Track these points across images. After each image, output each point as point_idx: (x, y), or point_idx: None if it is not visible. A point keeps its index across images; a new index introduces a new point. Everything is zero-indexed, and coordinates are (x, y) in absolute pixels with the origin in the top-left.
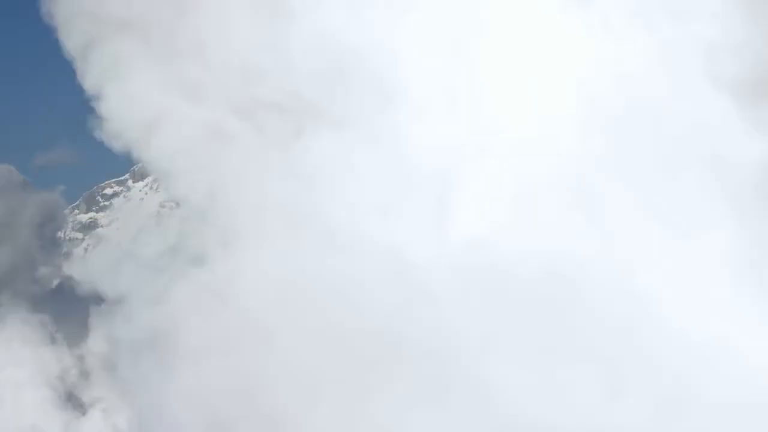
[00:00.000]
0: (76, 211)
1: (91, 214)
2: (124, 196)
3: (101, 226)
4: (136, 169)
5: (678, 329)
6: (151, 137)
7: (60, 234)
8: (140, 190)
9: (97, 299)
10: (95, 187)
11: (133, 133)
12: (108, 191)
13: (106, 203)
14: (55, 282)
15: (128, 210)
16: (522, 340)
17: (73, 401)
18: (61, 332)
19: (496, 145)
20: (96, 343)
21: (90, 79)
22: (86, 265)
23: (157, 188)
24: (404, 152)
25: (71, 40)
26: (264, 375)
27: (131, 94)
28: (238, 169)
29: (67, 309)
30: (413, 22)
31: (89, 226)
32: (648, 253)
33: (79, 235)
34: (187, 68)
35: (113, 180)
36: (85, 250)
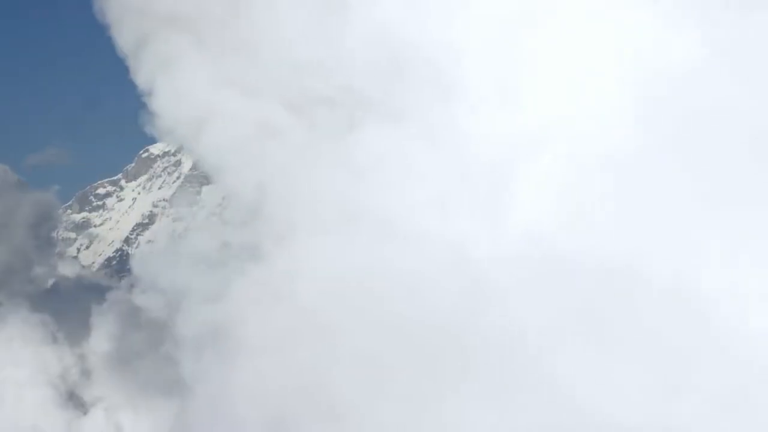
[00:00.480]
0: (69, 211)
1: (84, 214)
2: (117, 196)
3: (94, 226)
4: (128, 169)
5: (742, 323)
6: (201, 133)
7: (54, 234)
8: (133, 190)
9: (99, 298)
10: (88, 187)
11: (184, 129)
12: (101, 191)
13: (98, 203)
14: (50, 282)
15: (121, 210)
16: (583, 333)
17: (74, 400)
18: (62, 331)
19: (553, 138)
20: (98, 341)
21: (142, 75)
22: (146, 262)
23: (149, 188)
24: (461, 145)
25: (123, 38)
26: (326, 370)
27: (182, 90)
28: (290, 163)
29: (63, 308)
30: (471, 15)
31: (82, 226)
32: (709, 247)
33: (72, 235)
34: (240, 63)
35: (106, 180)
36: (78, 249)
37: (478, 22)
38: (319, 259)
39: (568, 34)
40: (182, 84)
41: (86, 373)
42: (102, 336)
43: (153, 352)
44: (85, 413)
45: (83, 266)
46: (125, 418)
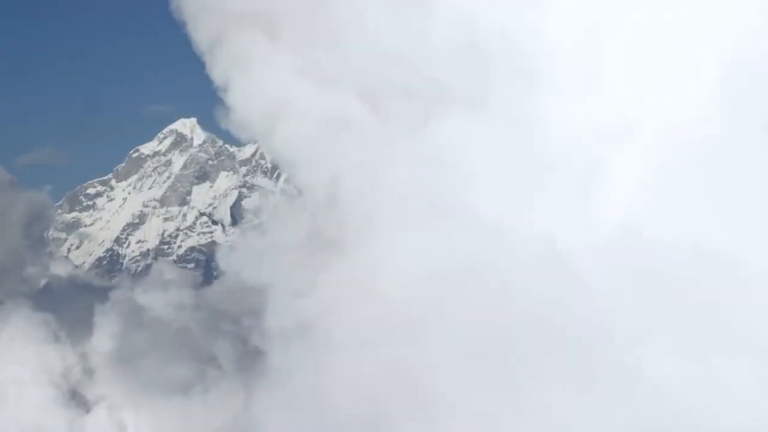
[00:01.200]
0: (60, 211)
1: (75, 214)
2: (107, 196)
3: (84, 226)
4: (119, 169)
5: None
6: (276, 127)
7: (47, 233)
8: (123, 190)
9: (91, 298)
10: (78, 187)
11: (259, 124)
12: (91, 191)
13: (89, 203)
14: (43, 281)
15: (111, 209)
16: (675, 327)
17: (76, 399)
18: (64, 330)
19: (641, 126)
20: (100, 340)
21: (218, 71)
22: (233, 257)
23: (140, 188)
24: (546, 135)
25: (200, 35)
26: (416, 363)
27: (258, 85)
28: (366, 156)
29: (56, 308)
30: (555, 2)
31: (72, 226)
32: None
33: (63, 235)
34: (318, 55)
35: (96, 180)
36: (68, 249)
37: (563, 9)
38: (403, 253)
39: (656, 21)
40: (257, 79)
41: (88, 372)
42: (104, 335)
43: (155, 351)
44: (87, 412)
45: (76, 266)
46: (128, 417)
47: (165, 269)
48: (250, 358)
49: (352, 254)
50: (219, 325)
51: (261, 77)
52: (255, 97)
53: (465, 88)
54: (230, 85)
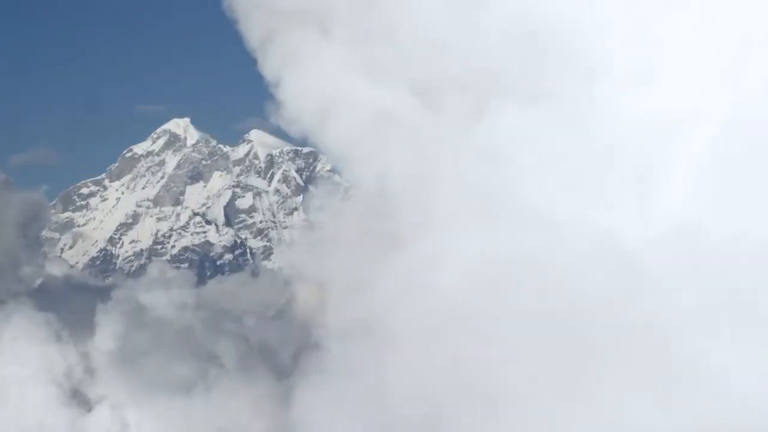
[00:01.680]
0: (53, 211)
1: (68, 214)
2: (101, 196)
3: (78, 226)
4: (112, 169)
5: None
6: (327, 122)
7: (43, 233)
8: (117, 190)
9: (98, 297)
10: (71, 187)
11: (310, 119)
12: (84, 191)
13: (82, 203)
14: (38, 281)
15: (105, 209)
16: (739, 321)
17: (78, 398)
18: (66, 330)
19: (702, 120)
20: (102, 340)
21: (269, 68)
22: (290, 253)
23: (133, 188)
24: (604, 127)
25: (252, 32)
26: (478, 359)
27: (309, 81)
28: (418, 150)
29: (51, 307)
30: None
31: (66, 226)
32: None
33: (56, 235)
34: (370, 50)
35: (89, 180)
36: (62, 249)
37: (621, 0)
38: (461, 248)
39: (715, 13)
40: (309, 75)
41: (90, 371)
42: (106, 334)
43: (157, 350)
44: (89, 411)
45: (71, 266)
46: (130, 416)
47: (162, 269)
48: (251, 357)
49: (408, 249)
50: (221, 324)
51: (312, 73)
52: (306, 92)
53: (521, 80)
54: (281, 81)
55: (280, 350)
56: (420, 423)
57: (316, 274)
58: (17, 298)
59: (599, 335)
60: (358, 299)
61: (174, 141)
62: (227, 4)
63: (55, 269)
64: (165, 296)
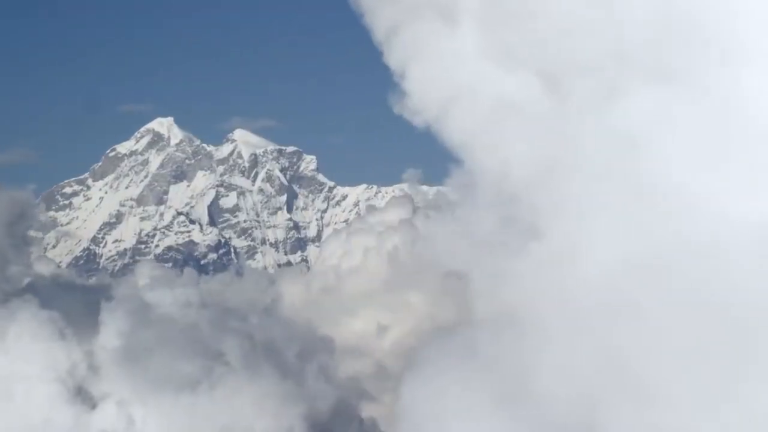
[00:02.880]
0: (36, 210)
1: (51, 213)
2: (84, 195)
3: (61, 225)
4: (95, 168)
5: None
6: (452, 111)
7: (30, 232)
8: (100, 189)
9: (85, 296)
10: (54, 186)
11: (434, 108)
12: (67, 190)
13: (65, 202)
14: (26, 280)
15: (88, 209)
16: None
17: (82, 395)
18: (70, 328)
19: None
20: (107, 338)
21: (395, 59)
22: (431, 243)
23: (116, 187)
24: (743, 108)
25: (378, 24)
26: (630, 347)
27: (435, 70)
28: (547, 137)
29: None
30: None
31: (49, 225)
32: None
33: (39, 234)
34: (501, 35)
35: (73, 179)
36: (45, 249)
37: None
38: (601, 236)
39: None
40: (435, 64)
41: (94, 369)
42: (111, 332)
43: (163, 348)
44: (93, 408)
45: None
46: (135, 413)
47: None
48: (257, 354)
49: (547, 239)
50: (226, 322)
51: (438, 62)
52: (431, 82)
53: (653, 60)
54: (407, 71)
55: (285, 348)
56: (570, 414)
57: (456, 265)
58: (20, 296)
59: (756, 324)
60: (501, 289)
61: (158, 140)
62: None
63: (42, 268)
64: (170, 294)
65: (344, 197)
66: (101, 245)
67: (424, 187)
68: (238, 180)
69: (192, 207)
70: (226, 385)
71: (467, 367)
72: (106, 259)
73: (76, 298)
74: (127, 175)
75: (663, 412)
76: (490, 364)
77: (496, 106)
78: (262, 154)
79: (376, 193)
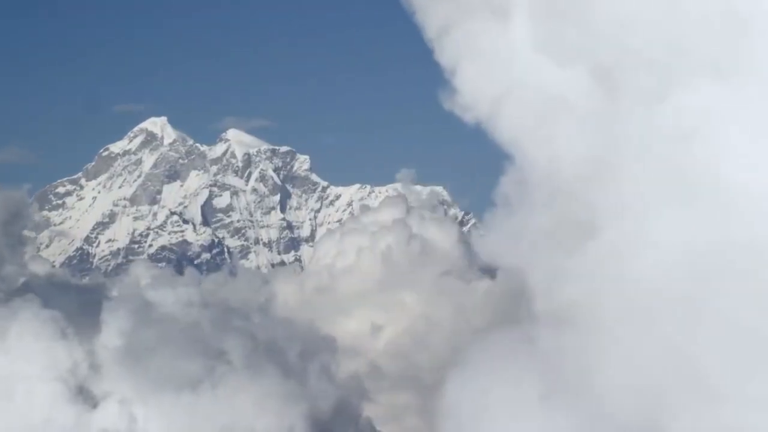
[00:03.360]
0: (30, 210)
1: (44, 213)
2: (77, 195)
3: (54, 225)
4: (88, 168)
5: None
6: (502, 108)
7: (24, 232)
8: (93, 189)
9: (80, 296)
10: (48, 186)
11: (485, 105)
12: (61, 190)
13: (58, 202)
14: (21, 280)
15: (81, 208)
16: None
17: (83, 394)
18: (72, 327)
19: None
20: (109, 337)
21: (446, 56)
22: (488, 241)
23: (110, 187)
24: None
25: (430, 23)
26: (692, 343)
27: (487, 67)
28: (599, 133)
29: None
30: None
31: (42, 225)
32: None
33: (32, 234)
34: (555, 30)
35: (66, 179)
36: (38, 248)
37: None
38: (659, 233)
39: None
40: (486, 61)
41: (95, 368)
42: (113, 331)
43: (164, 347)
44: (94, 407)
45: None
46: (136, 412)
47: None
48: (258, 354)
49: (605, 236)
50: (228, 322)
51: (490, 58)
52: (483, 78)
53: (712, 54)
54: (458, 68)
55: (287, 348)
56: (633, 411)
57: (515, 262)
58: (21, 295)
59: None
60: (560, 286)
61: (151, 140)
62: None
63: (37, 268)
64: (172, 293)
65: (338, 197)
66: (94, 245)
67: (418, 187)
68: (232, 180)
69: (185, 207)
70: (228, 385)
71: (514, 365)
72: (99, 259)
73: (72, 297)
74: (121, 174)
75: (726, 408)
76: (549, 361)
77: (548, 101)
78: (255, 153)
79: (370, 192)
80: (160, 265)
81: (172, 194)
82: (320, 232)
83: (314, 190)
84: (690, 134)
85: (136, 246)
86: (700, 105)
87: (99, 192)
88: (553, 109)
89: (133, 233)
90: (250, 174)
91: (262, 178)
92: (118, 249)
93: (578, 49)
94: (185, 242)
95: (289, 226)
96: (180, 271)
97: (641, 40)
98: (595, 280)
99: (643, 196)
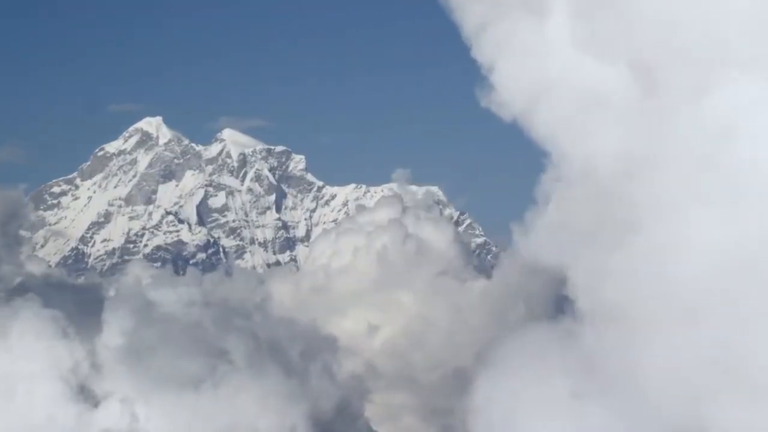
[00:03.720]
0: (27, 210)
1: (40, 212)
2: (72, 195)
3: (49, 225)
4: (84, 168)
5: None
6: (540, 104)
7: (21, 232)
8: (88, 189)
9: (77, 296)
10: (43, 186)
11: (522, 102)
12: (56, 189)
13: (54, 201)
14: (17, 280)
15: (76, 208)
16: None
17: (85, 394)
18: (73, 326)
19: None
20: (110, 336)
21: (483, 53)
22: (529, 239)
23: (105, 187)
24: None
25: (468, 21)
26: (737, 341)
27: (523, 64)
28: (635, 131)
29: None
30: None
31: (37, 225)
32: None
33: (27, 234)
34: (594, 26)
35: (61, 178)
36: (33, 248)
37: None
38: (702, 229)
39: None
40: (523, 58)
41: (97, 367)
42: (114, 330)
43: (166, 346)
44: (95, 406)
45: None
46: (138, 411)
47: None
48: (260, 353)
49: (646, 234)
50: (230, 321)
51: (527, 56)
52: (520, 75)
53: (753, 49)
54: (496, 65)
55: (288, 347)
56: (676, 408)
57: (557, 260)
58: (22, 294)
59: None
60: (603, 284)
61: (146, 140)
62: None
63: (34, 268)
64: (174, 293)
65: (333, 197)
66: (90, 245)
67: (413, 187)
68: (227, 179)
69: (181, 206)
70: (230, 384)
71: (544, 363)
72: (95, 259)
73: (69, 297)
74: (116, 174)
75: None
76: (589, 359)
77: (587, 98)
78: (250, 153)
79: (365, 192)
80: (155, 264)
81: (167, 194)
82: (316, 232)
83: (310, 190)
84: (731, 131)
85: (132, 246)
86: (741, 101)
87: (94, 192)
88: (591, 105)
89: (128, 233)
90: (245, 174)
91: (258, 178)
92: (114, 249)
93: (618, 45)
94: (181, 242)
95: (285, 226)
96: (176, 270)
97: (682, 37)
98: (637, 278)
99: (685, 193)
